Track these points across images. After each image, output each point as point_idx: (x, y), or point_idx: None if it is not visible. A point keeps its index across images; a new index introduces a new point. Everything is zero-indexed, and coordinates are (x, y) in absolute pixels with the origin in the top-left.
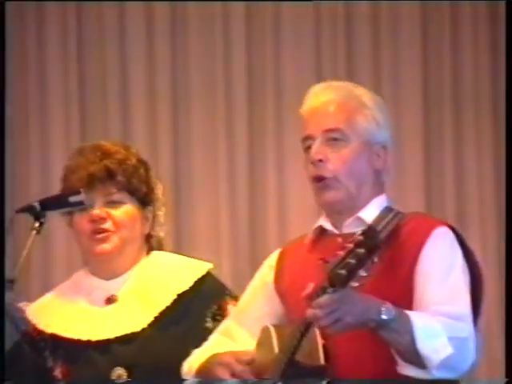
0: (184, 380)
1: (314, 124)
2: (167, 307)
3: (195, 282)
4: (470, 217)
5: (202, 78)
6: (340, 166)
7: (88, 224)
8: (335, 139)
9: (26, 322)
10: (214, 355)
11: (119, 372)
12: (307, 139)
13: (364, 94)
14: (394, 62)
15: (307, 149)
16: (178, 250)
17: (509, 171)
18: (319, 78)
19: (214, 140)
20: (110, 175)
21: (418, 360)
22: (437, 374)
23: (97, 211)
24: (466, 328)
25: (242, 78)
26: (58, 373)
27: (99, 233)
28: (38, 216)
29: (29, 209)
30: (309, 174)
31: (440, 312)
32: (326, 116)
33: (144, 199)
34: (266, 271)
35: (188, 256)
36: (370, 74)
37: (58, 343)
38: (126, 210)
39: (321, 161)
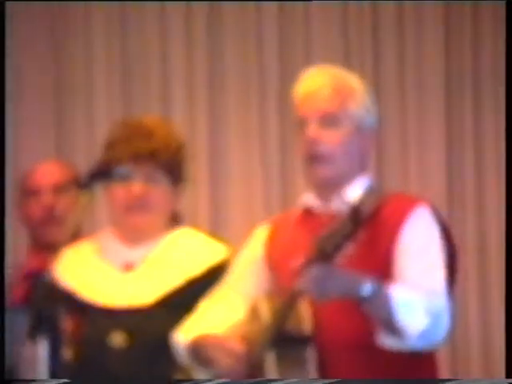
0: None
1: (309, 106)
2: (176, 288)
3: (208, 268)
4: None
5: (237, 63)
6: (334, 147)
7: (126, 196)
8: (330, 122)
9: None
10: (208, 335)
11: (117, 338)
12: (302, 120)
13: (354, 81)
14: (419, 54)
15: (301, 129)
16: (213, 226)
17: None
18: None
19: (247, 121)
20: (152, 154)
21: (396, 331)
22: (414, 344)
23: (136, 186)
24: (441, 301)
25: (274, 65)
26: (67, 327)
27: (135, 206)
28: (84, 186)
29: (75, 181)
30: (304, 152)
31: (418, 286)
32: (321, 100)
33: (178, 178)
34: (257, 243)
35: (214, 235)
36: (395, 66)
37: (72, 300)
38: (162, 187)
39: (315, 141)
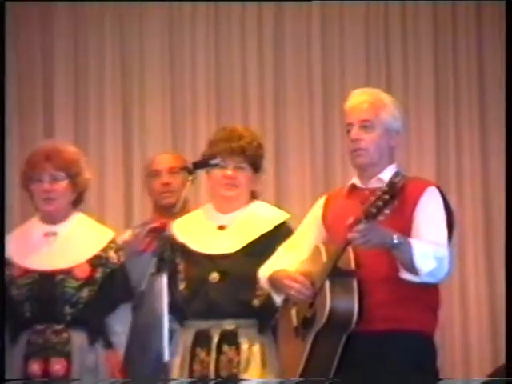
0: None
1: (354, 115)
2: (252, 241)
3: (274, 226)
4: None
5: (294, 80)
6: (369, 144)
7: (222, 179)
8: (366, 126)
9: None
10: (283, 270)
11: (214, 275)
12: (349, 125)
13: (386, 98)
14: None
15: (348, 131)
16: (278, 199)
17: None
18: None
19: (302, 127)
20: (241, 151)
21: (413, 270)
22: (424, 279)
23: (229, 172)
24: (444, 251)
25: (319, 83)
26: (181, 269)
27: (229, 185)
28: (191, 172)
29: (185, 168)
30: (349, 147)
31: (429, 240)
32: (361, 111)
33: (257, 167)
34: (317, 209)
35: (278, 207)
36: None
37: (184, 249)
38: (246, 173)
39: (357, 140)
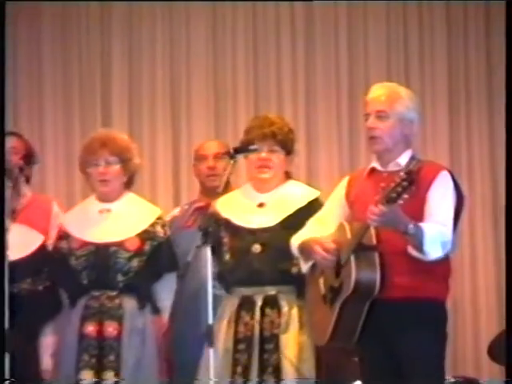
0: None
1: (371, 106)
2: (289, 215)
3: (308, 202)
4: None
5: (324, 75)
6: (383, 132)
7: (257, 161)
8: (381, 116)
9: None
10: (312, 237)
11: (256, 247)
12: (366, 115)
13: (402, 91)
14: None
15: (366, 120)
16: (309, 178)
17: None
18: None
19: (330, 115)
20: (273, 135)
21: (421, 252)
22: (429, 258)
23: (263, 155)
24: (449, 232)
25: (346, 78)
26: (226, 241)
27: (263, 167)
28: (232, 156)
29: (227, 153)
30: (367, 134)
31: (437, 221)
32: (377, 103)
33: (289, 150)
34: (341, 188)
35: (308, 185)
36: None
37: (228, 224)
38: (278, 156)
39: (372, 128)
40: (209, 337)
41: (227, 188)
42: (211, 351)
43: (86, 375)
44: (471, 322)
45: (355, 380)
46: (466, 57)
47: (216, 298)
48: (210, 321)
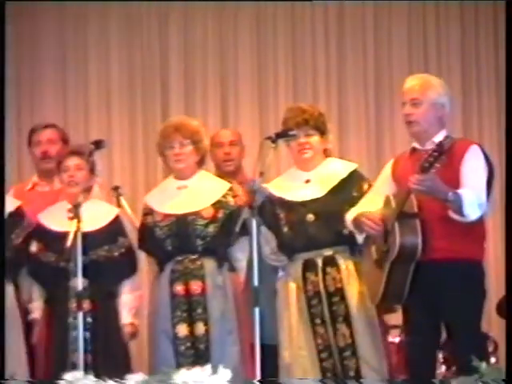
0: None
1: (406, 95)
2: (334, 186)
3: (349, 173)
4: None
5: (355, 69)
6: (418, 116)
7: (298, 146)
8: (415, 103)
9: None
10: (361, 212)
11: (310, 216)
12: (403, 104)
13: (433, 80)
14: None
15: (402, 107)
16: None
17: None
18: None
19: (366, 104)
20: (306, 122)
21: (462, 215)
22: (469, 219)
23: (302, 139)
24: (484, 195)
25: (371, 57)
26: (282, 217)
27: (304, 149)
28: (274, 141)
29: (269, 137)
30: (404, 119)
31: (472, 186)
32: (412, 91)
33: (324, 132)
34: (387, 169)
35: (345, 159)
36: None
37: (282, 202)
38: (314, 138)
39: (408, 114)
40: (256, 298)
41: (241, 171)
42: (257, 310)
43: (181, 328)
44: None
45: None
46: (477, 53)
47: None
48: (256, 283)
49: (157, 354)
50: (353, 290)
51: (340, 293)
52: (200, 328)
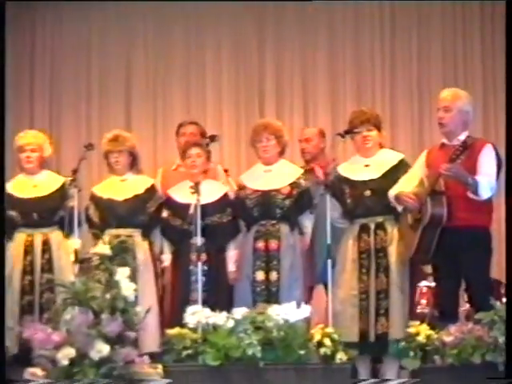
0: None
1: (441, 103)
2: (387, 170)
3: (398, 161)
4: None
5: (404, 78)
6: (448, 120)
7: (361, 139)
8: (446, 110)
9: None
10: (400, 191)
11: (367, 192)
12: (438, 109)
13: (462, 93)
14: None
15: (438, 112)
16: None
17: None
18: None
19: (413, 110)
20: (368, 121)
21: (477, 194)
22: (482, 198)
23: (365, 133)
24: (494, 181)
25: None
26: (347, 191)
27: (366, 141)
28: (343, 136)
29: (339, 134)
30: (437, 121)
31: (486, 173)
32: (444, 100)
33: (379, 128)
34: (422, 157)
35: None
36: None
37: (347, 180)
38: (373, 133)
39: (441, 118)
40: (328, 252)
41: (322, 157)
42: (329, 261)
43: (259, 274)
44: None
45: None
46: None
47: (336, 229)
48: (329, 241)
49: (239, 291)
50: (394, 250)
51: (385, 250)
52: (274, 275)
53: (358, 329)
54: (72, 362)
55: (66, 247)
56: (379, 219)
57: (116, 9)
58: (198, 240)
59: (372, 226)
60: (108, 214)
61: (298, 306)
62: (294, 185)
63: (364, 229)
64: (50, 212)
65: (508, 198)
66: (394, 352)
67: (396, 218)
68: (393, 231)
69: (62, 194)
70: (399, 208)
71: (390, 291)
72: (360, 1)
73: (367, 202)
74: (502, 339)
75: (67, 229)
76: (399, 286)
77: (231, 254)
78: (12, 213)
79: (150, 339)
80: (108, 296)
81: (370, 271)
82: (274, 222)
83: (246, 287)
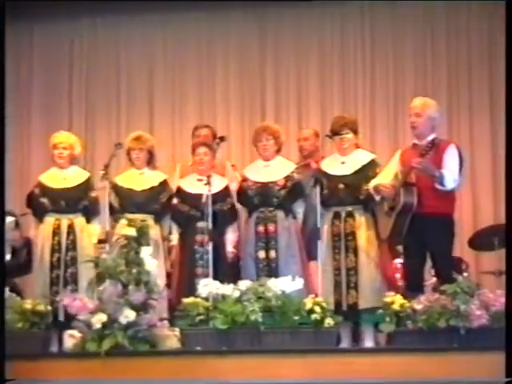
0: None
1: (413, 110)
2: (359, 168)
3: (368, 161)
4: None
5: (385, 89)
6: (418, 124)
7: (340, 140)
8: (418, 115)
9: None
10: (378, 182)
11: (341, 185)
12: (410, 115)
13: (429, 101)
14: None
15: (410, 117)
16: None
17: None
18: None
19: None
20: (346, 125)
21: (443, 185)
22: (447, 189)
23: (343, 136)
24: (457, 175)
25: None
26: (325, 183)
27: (343, 142)
28: (330, 137)
29: (327, 135)
30: (410, 125)
31: (450, 169)
32: (415, 108)
33: (355, 131)
34: (397, 155)
35: (373, 151)
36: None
37: (326, 174)
38: (350, 135)
39: (412, 122)
40: (318, 234)
41: (317, 154)
42: (319, 242)
43: (260, 253)
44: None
45: None
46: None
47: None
48: (319, 225)
49: (244, 268)
50: (361, 233)
51: (353, 234)
52: (273, 253)
53: (333, 299)
54: (104, 325)
55: (87, 230)
56: (349, 208)
57: (141, 29)
58: (210, 224)
59: (343, 214)
60: (127, 201)
61: (293, 279)
62: (287, 178)
63: (336, 216)
64: (75, 201)
65: (508, 197)
66: (368, 319)
67: (364, 208)
68: (360, 219)
69: (86, 186)
70: (377, 197)
71: (359, 268)
72: (346, 26)
73: (340, 193)
74: (463, 307)
75: (90, 215)
76: (367, 264)
77: (230, 237)
78: (43, 200)
79: (158, 306)
80: (134, 270)
81: (341, 251)
82: (271, 209)
83: (250, 264)
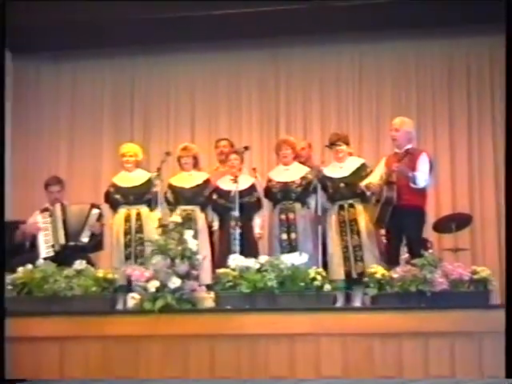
0: None
1: (393, 126)
2: (353, 170)
3: (360, 164)
4: None
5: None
6: (397, 137)
7: (336, 150)
8: (397, 130)
9: None
10: (368, 182)
11: (341, 184)
12: (391, 130)
13: (406, 119)
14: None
15: (390, 132)
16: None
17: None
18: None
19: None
20: (339, 139)
21: (416, 184)
22: (420, 186)
23: (338, 148)
24: (427, 176)
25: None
26: (328, 184)
27: (339, 152)
28: (329, 147)
29: (327, 146)
30: (391, 137)
31: (422, 171)
32: (395, 124)
33: (347, 144)
34: (382, 161)
35: (361, 157)
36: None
37: (326, 176)
38: (343, 147)
39: (392, 135)
40: (321, 221)
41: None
42: (319, 228)
43: (283, 235)
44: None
45: None
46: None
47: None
48: (320, 212)
49: (271, 247)
50: (361, 219)
51: (355, 221)
52: (293, 236)
53: (343, 270)
54: (157, 289)
55: (151, 218)
56: (350, 201)
57: (184, 68)
58: (236, 213)
59: (346, 206)
60: (179, 197)
61: (300, 254)
62: (302, 178)
63: (341, 208)
64: (140, 195)
65: (508, 197)
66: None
67: (361, 200)
68: (359, 208)
69: (148, 184)
70: (368, 193)
71: (362, 245)
72: (340, 65)
73: (342, 190)
74: (429, 276)
75: (152, 206)
76: (367, 242)
77: (257, 222)
78: (117, 196)
79: (205, 275)
80: (180, 248)
81: (347, 234)
82: (290, 201)
83: (275, 244)
